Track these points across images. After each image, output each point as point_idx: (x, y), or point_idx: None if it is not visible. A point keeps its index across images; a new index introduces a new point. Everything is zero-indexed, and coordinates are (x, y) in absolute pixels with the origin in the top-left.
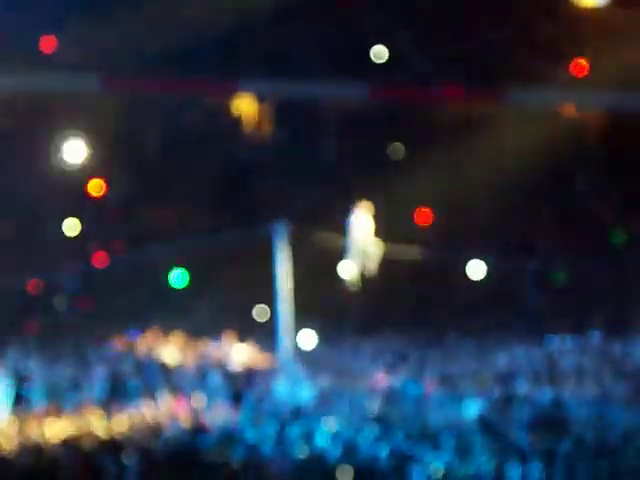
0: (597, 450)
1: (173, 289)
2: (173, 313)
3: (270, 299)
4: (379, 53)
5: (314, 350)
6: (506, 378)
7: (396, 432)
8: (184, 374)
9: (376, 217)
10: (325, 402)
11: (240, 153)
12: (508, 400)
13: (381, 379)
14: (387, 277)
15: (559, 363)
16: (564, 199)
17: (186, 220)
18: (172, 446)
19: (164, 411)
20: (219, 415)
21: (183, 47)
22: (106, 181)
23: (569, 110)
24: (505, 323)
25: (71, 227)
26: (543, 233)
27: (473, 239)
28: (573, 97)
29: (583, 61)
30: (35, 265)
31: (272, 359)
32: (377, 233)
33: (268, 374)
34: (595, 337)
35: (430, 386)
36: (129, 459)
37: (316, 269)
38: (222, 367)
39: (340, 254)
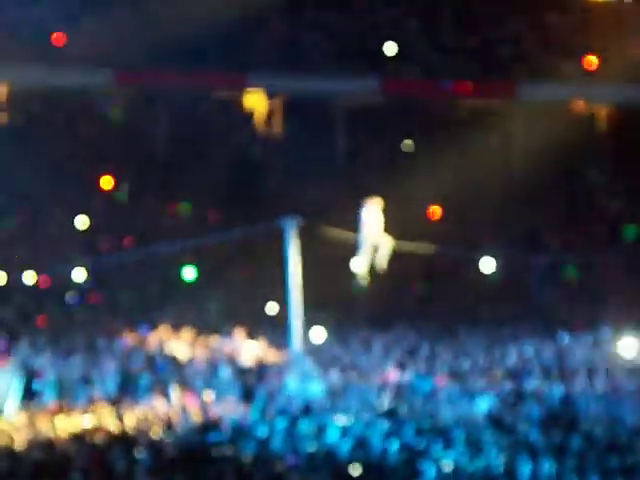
0: (607, 446)
1: (184, 284)
2: (184, 308)
3: (281, 294)
4: (387, 50)
5: (324, 345)
6: (516, 374)
7: (406, 427)
8: (195, 369)
9: (387, 212)
10: (335, 397)
11: (251, 148)
12: (518, 396)
13: (391, 374)
14: (398, 272)
15: (569, 359)
16: (575, 194)
17: (197, 215)
18: (183, 441)
19: (175, 406)
20: (229, 410)
21: (195, 41)
22: (117, 176)
23: (580, 105)
24: (516, 318)
25: (81, 222)
26: (554, 228)
27: (484, 234)
28: (584, 92)
29: (593, 56)
30: (46, 260)
31: (283, 354)
32: (388, 228)
33: (278, 369)
34: (605, 333)
35: (440, 381)
36: (140, 454)
37: (327, 264)
38: (233, 362)
39: (351, 249)
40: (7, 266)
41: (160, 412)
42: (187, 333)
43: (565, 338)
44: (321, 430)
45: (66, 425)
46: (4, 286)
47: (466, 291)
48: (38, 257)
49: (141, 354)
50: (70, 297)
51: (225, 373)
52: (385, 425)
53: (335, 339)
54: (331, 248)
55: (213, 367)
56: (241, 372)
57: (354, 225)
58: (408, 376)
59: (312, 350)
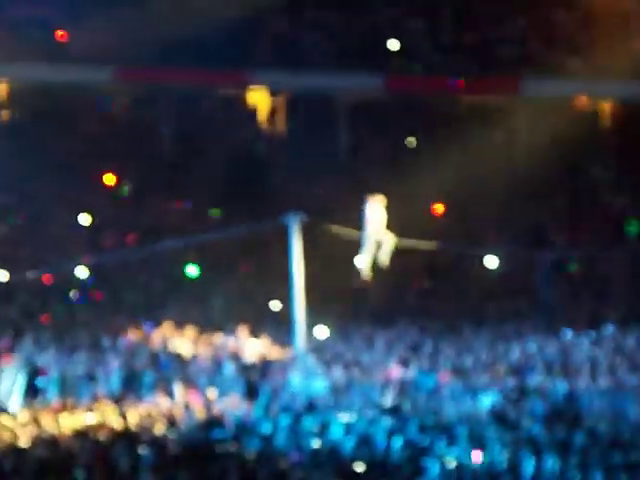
0: (611, 442)
1: (187, 281)
2: (188, 305)
3: (284, 292)
4: (390, 47)
5: (328, 342)
6: (520, 370)
7: (410, 424)
8: (198, 366)
9: (390, 209)
10: (339, 394)
11: (254, 146)
12: (522, 392)
13: (394, 371)
14: (401, 269)
15: (573, 355)
16: (580, 190)
17: (201, 212)
18: (186, 438)
19: (178, 403)
20: (233, 407)
21: (198, 39)
22: (120, 173)
23: (584, 101)
24: (520, 315)
25: (84, 219)
26: (559, 224)
27: (488, 231)
28: (588, 88)
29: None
30: (49, 258)
31: (286, 352)
32: (391, 225)
33: (282, 367)
34: (609, 329)
35: (444, 378)
36: (143, 451)
37: (330, 261)
38: (236, 359)
39: (354, 246)
40: (11, 264)
41: (164, 409)
42: (191, 330)
43: (569, 334)
44: (325, 427)
45: (70, 422)
46: (8, 284)
47: (469, 287)
48: (41, 255)
49: (145, 351)
50: (73, 295)
51: (229, 370)
52: (388, 422)
53: (338, 336)
54: (334, 245)
55: (217, 364)
56: (245, 369)
57: (357, 222)
58: (411, 373)
59: (315, 347)
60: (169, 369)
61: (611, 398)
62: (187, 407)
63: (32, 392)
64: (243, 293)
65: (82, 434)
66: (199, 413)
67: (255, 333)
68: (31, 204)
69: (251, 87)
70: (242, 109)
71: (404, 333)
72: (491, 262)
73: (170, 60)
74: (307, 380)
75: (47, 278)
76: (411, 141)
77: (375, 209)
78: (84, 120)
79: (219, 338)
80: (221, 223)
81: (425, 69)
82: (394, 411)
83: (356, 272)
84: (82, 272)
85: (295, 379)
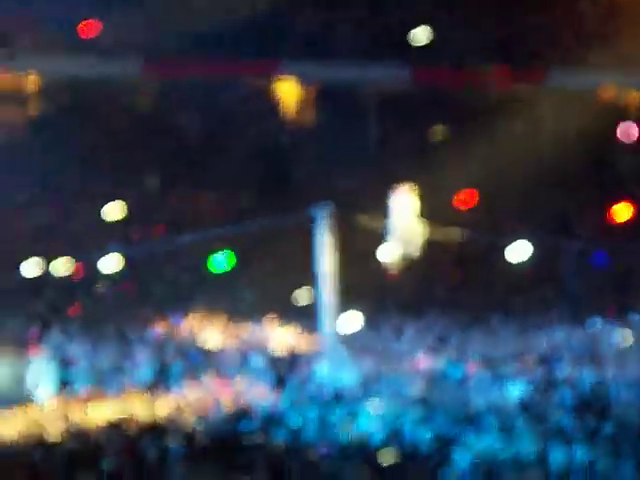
0: (638, 432)
1: (215, 273)
2: (215, 297)
3: (313, 282)
4: (418, 36)
5: (356, 333)
6: (548, 360)
7: (439, 414)
8: (226, 357)
9: (419, 199)
10: (368, 385)
11: (282, 136)
12: (550, 382)
13: (423, 361)
14: (430, 259)
15: (601, 345)
16: (604, 181)
17: (229, 204)
18: (215, 429)
19: (207, 395)
20: (262, 398)
21: (225, 30)
22: (148, 166)
23: (611, 92)
24: (547, 305)
25: (113, 212)
26: (585, 215)
27: (515, 221)
28: (615, 78)
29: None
30: (78, 249)
31: (315, 342)
32: (420, 215)
33: (311, 357)
34: (636, 318)
35: (472, 368)
36: (172, 442)
37: (359, 252)
38: (264, 350)
39: (383, 236)
40: (39, 256)
41: (192, 400)
42: (219, 321)
43: (597, 324)
44: (354, 418)
45: (98, 413)
46: (37, 276)
47: (497, 278)
48: (70, 247)
49: (173, 343)
50: (102, 287)
51: (257, 361)
52: (418, 412)
53: (367, 326)
54: (363, 236)
55: (245, 355)
56: (273, 360)
57: (386, 213)
58: (440, 363)
59: (344, 338)
60: (197, 360)
61: (638, 387)
62: (215, 398)
63: (61, 383)
64: (272, 284)
65: (110, 426)
66: (227, 404)
67: (284, 324)
68: (59, 197)
69: (280, 78)
70: (271, 100)
71: (433, 324)
72: (520, 252)
73: (199, 52)
74: (335, 371)
75: (76, 270)
76: (439, 133)
77: (404, 200)
78: (112, 113)
79: (247, 329)
80: (249, 215)
81: (453, 61)
82: (423, 402)
83: (385, 262)
84: (111, 264)
85: (323, 370)
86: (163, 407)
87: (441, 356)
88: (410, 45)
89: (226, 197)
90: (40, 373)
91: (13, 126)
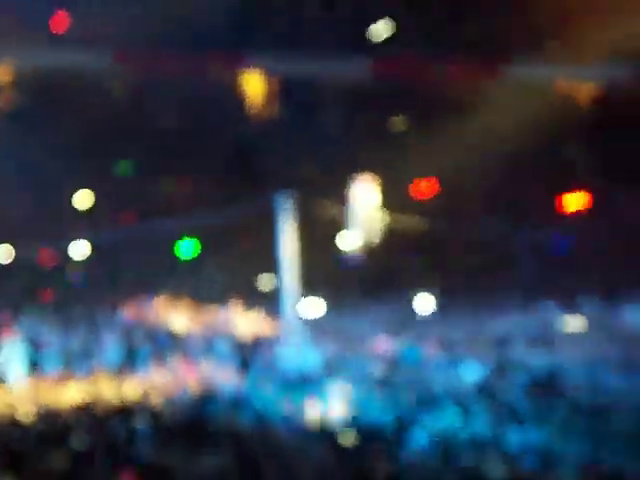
0: (590, 412)
1: (182, 259)
2: (182, 282)
3: (276, 268)
4: (378, 30)
5: (319, 317)
6: (503, 343)
7: (399, 396)
8: (193, 341)
9: (379, 187)
10: (330, 368)
11: (247, 126)
12: (505, 365)
13: (383, 344)
14: (388, 245)
15: (553, 329)
16: (559, 171)
17: (195, 191)
18: (182, 411)
19: (174, 377)
20: (227, 381)
21: (192, 23)
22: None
23: (563, 85)
24: (502, 290)
25: (84, 200)
26: (539, 203)
27: (473, 209)
28: (566, 73)
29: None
30: (49, 235)
31: (278, 326)
32: (380, 203)
33: (274, 341)
34: (589, 303)
35: (430, 351)
36: (140, 423)
37: (320, 238)
38: (230, 335)
39: (343, 224)
40: (12, 242)
41: (160, 383)
42: (185, 306)
43: (549, 309)
44: (316, 399)
45: (68, 395)
46: (10, 262)
47: (454, 264)
48: (43, 234)
49: (141, 326)
50: (73, 272)
51: (222, 345)
52: (378, 394)
53: (329, 311)
54: (324, 223)
55: (210, 339)
56: (238, 344)
57: (346, 201)
58: (399, 346)
59: (307, 322)
60: (164, 344)
61: (591, 370)
62: (182, 381)
63: (32, 366)
64: (236, 270)
65: (80, 407)
66: (194, 387)
67: (248, 308)
68: (30, 185)
69: (245, 71)
70: (236, 92)
71: (392, 308)
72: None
73: (167, 44)
74: (298, 354)
75: (47, 256)
76: (398, 123)
77: (364, 188)
78: (85, 103)
79: (213, 313)
80: (215, 202)
81: (411, 55)
82: (383, 383)
83: (345, 249)
84: (80, 251)
85: (286, 353)
86: (131, 389)
87: (400, 339)
88: (370, 39)
89: (192, 185)
90: (11, 355)
91: None
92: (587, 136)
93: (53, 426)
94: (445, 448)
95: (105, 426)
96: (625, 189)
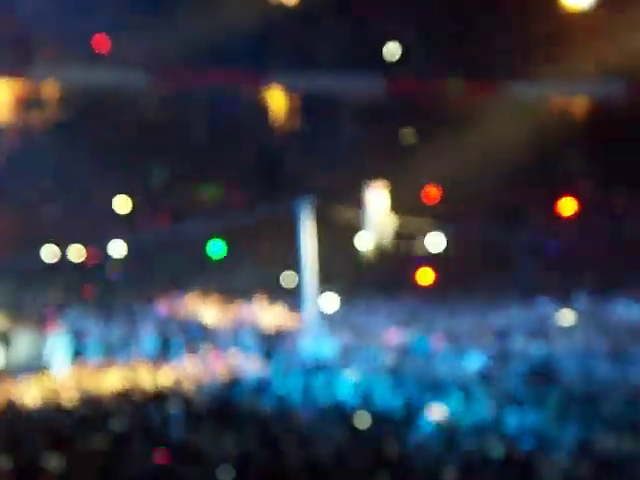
0: (582, 398)
1: (212, 258)
2: (211, 279)
3: (297, 266)
4: (390, 52)
5: (335, 311)
6: (504, 335)
7: (407, 383)
8: (221, 333)
9: (390, 194)
10: (345, 357)
11: (271, 139)
12: (505, 355)
13: (394, 336)
14: (399, 246)
15: (549, 322)
16: (553, 179)
17: (224, 197)
18: (211, 396)
19: (204, 366)
20: (252, 369)
21: (222, 45)
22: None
23: (555, 101)
24: (503, 287)
25: (123, 204)
26: (536, 208)
27: (473, 212)
28: (558, 90)
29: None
30: (91, 236)
31: (299, 319)
32: (390, 208)
33: (295, 333)
34: (582, 298)
35: (437, 342)
36: (174, 408)
37: (337, 240)
38: (255, 327)
39: (357, 226)
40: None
41: (191, 371)
42: (215, 301)
43: (546, 304)
44: (332, 385)
45: (108, 382)
46: (56, 261)
47: (459, 263)
48: (85, 235)
49: (175, 320)
50: (113, 270)
51: (248, 336)
52: (388, 381)
53: (345, 305)
54: (341, 226)
55: (238, 331)
56: (262, 335)
57: (361, 206)
58: (408, 338)
59: (325, 315)
60: (196, 335)
61: (583, 359)
62: (211, 369)
63: (75, 355)
64: (261, 268)
65: (118, 393)
66: (222, 374)
67: (271, 303)
68: (76, 191)
69: (269, 88)
70: (261, 107)
71: (402, 303)
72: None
73: (197, 63)
74: (316, 344)
75: (90, 255)
76: (408, 136)
77: (376, 195)
78: (124, 117)
79: (239, 308)
80: (242, 207)
81: (420, 75)
82: (393, 371)
83: (360, 249)
84: (120, 250)
85: (306, 344)
86: (165, 377)
87: (410, 331)
88: (383, 59)
89: (222, 191)
90: (57, 346)
91: (34, 128)
92: (579, 148)
93: (94, 410)
94: (449, 430)
95: (142, 410)
96: (611, 195)
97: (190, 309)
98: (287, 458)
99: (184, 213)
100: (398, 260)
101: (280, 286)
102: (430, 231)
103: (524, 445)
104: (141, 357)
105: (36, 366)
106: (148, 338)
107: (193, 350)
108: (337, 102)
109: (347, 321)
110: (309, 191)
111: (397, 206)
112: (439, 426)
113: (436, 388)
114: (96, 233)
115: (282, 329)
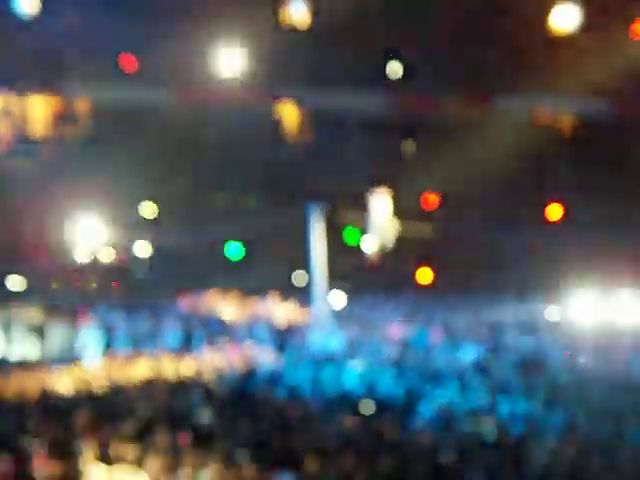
0: (569, 387)
1: (230, 258)
2: (230, 278)
3: (307, 266)
4: (393, 70)
5: (343, 308)
6: (497, 329)
7: (409, 373)
8: (239, 327)
9: (392, 200)
10: (352, 349)
11: (283, 149)
12: (499, 347)
13: (397, 330)
14: (401, 248)
15: (538, 318)
16: (542, 186)
17: (240, 203)
18: (229, 386)
19: (223, 357)
20: (266, 360)
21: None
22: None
23: (545, 114)
24: (497, 286)
25: (148, 209)
26: (527, 212)
27: (470, 216)
28: (548, 103)
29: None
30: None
31: (309, 315)
32: (393, 213)
33: (305, 327)
34: (569, 295)
35: (436, 336)
36: (195, 396)
37: (343, 242)
38: (269, 321)
39: (362, 230)
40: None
41: (211, 362)
42: (233, 297)
43: (536, 300)
44: (340, 376)
45: (135, 372)
46: (88, 263)
47: (456, 264)
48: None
49: (196, 315)
50: (140, 269)
51: (263, 330)
52: (391, 372)
53: (351, 302)
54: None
55: (253, 325)
56: (276, 329)
57: (366, 210)
58: (410, 332)
59: (333, 311)
60: (215, 329)
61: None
62: (229, 361)
63: (105, 347)
64: (274, 268)
65: (145, 382)
66: (239, 365)
67: (284, 300)
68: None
69: (281, 102)
70: (274, 120)
71: (404, 300)
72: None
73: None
74: (325, 338)
75: (120, 256)
76: (409, 146)
77: (380, 201)
78: (150, 130)
79: (255, 304)
80: (257, 212)
81: (420, 91)
82: (396, 363)
83: (365, 251)
84: (146, 251)
85: (316, 337)
86: (188, 367)
87: (411, 326)
88: (386, 77)
89: (238, 198)
90: (88, 339)
91: (67, 141)
92: (565, 159)
93: (123, 399)
94: (447, 417)
95: (166, 398)
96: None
97: (210, 305)
98: (298, 441)
99: (205, 218)
100: (400, 260)
101: (292, 284)
102: (428, 234)
103: (515, 430)
104: (165, 349)
105: (69, 357)
106: (172, 332)
107: (213, 343)
108: (344, 116)
109: (353, 317)
110: (319, 197)
111: (398, 211)
112: (438, 413)
113: (435, 378)
114: (125, 236)
115: (294, 324)
